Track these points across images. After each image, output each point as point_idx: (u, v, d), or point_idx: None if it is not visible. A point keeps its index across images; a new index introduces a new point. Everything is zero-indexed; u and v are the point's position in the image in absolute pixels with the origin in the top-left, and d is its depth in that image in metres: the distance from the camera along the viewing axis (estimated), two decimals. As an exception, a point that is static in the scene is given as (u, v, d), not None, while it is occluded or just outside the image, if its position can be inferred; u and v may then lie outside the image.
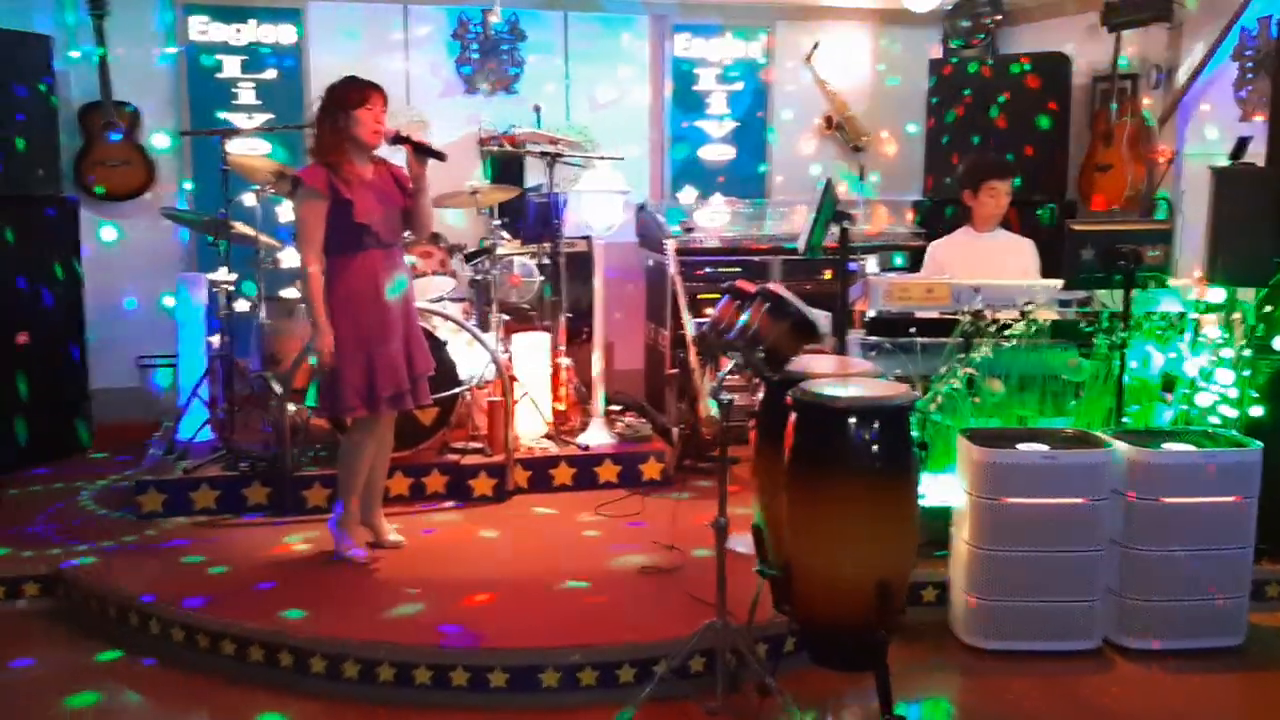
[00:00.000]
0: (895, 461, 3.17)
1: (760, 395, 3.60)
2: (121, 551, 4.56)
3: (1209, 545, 3.96)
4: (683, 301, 5.66)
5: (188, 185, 6.60)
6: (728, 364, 3.43)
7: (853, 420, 3.14)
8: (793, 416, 3.22)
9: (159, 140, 6.54)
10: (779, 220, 6.78)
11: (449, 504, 5.19)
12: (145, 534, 4.76)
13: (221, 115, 6.52)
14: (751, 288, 3.40)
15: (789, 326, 3.23)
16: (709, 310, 6.08)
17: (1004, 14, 7.07)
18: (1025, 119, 6.66)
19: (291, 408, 5.02)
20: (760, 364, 3.24)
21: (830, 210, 4.22)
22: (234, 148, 5.41)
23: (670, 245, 5.69)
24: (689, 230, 6.27)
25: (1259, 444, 4.02)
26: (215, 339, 5.75)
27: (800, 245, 4.27)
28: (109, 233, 6.54)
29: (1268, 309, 4.44)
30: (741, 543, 3.99)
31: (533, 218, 6.01)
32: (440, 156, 4.38)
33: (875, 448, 3.14)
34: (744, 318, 3.31)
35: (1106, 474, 3.95)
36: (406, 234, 4.51)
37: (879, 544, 3.17)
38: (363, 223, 4.22)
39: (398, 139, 4.33)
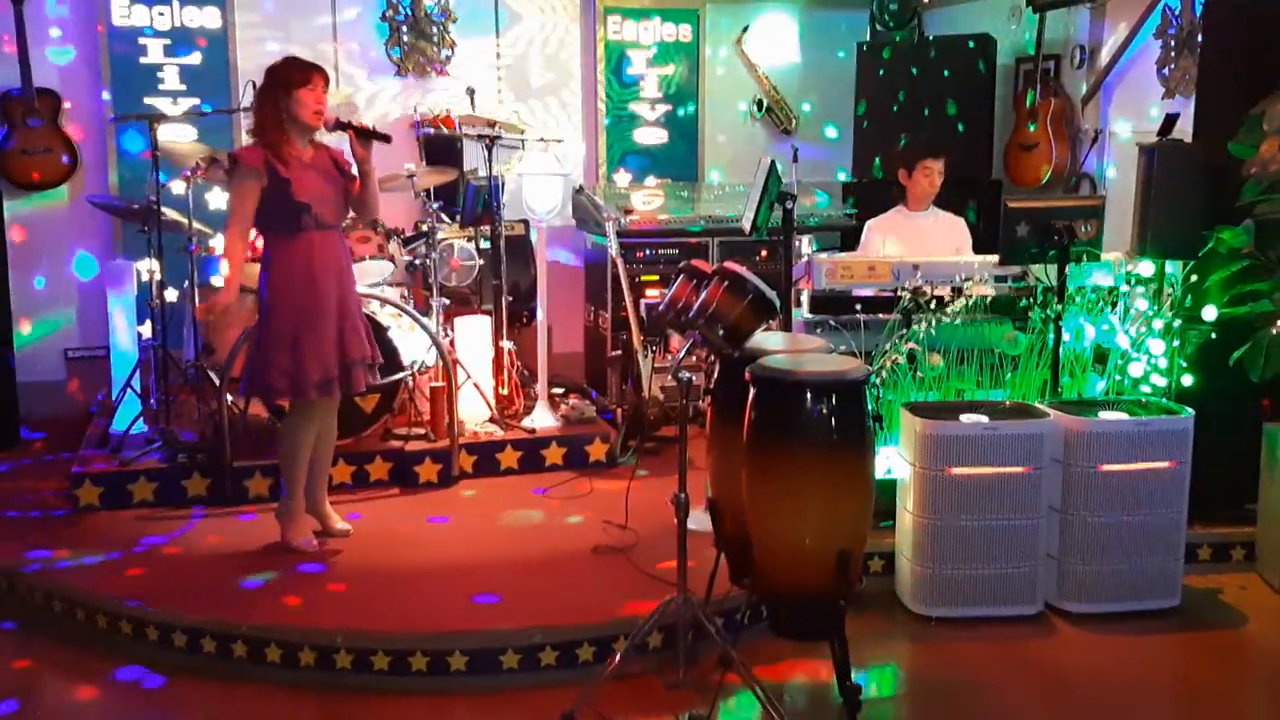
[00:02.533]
0: (852, 434, 3.24)
1: (715, 374, 3.65)
2: (61, 546, 4.46)
3: (1144, 511, 4.10)
4: (626, 284, 5.68)
5: (113, 172, 6.42)
6: (685, 343, 3.46)
7: (810, 394, 3.20)
8: (751, 392, 3.26)
9: (81, 127, 6.36)
10: (713, 202, 6.83)
11: (394, 491, 5.16)
12: (84, 528, 4.66)
13: (147, 100, 6.36)
14: (708, 267, 3.44)
15: (748, 304, 3.27)
16: (650, 292, 6.18)
17: (931, -4, 7.20)
18: (953, 99, 6.78)
19: (229, 397, 4.94)
20: (721, 342, 3.27)
21: (775, 191, 4.27)
22: (161, 134, 5.29)
23: (611, 228, 5.70)
24: (627, 213, 6.28)
25: (1190, 411, 4.17)
26: (146, 329, 5.65)
27: (745, 226, 4.31)
28: (33, 222, 6.34)
29: (1194, 279, 4.59)
30: (695, 519, 4.02)
31: (470, 201, 5.97)
32: (385, 139, 4.35)
33: (833, 421, 3.21)
34: (702, 296, 3.34)
35: (1046, 443, 4.07)
36: (350, 217, 4.46)
37: (838, 515, 3.24)
38: (301, 201, 4.17)
39: (339, 125, 4.28)
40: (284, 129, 4.18)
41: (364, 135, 4.29)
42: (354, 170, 4.36)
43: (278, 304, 4.22)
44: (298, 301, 4.22)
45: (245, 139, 4.56)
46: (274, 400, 4.42)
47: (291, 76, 4.16)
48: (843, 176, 7.41)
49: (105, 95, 6.35)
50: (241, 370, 4.48)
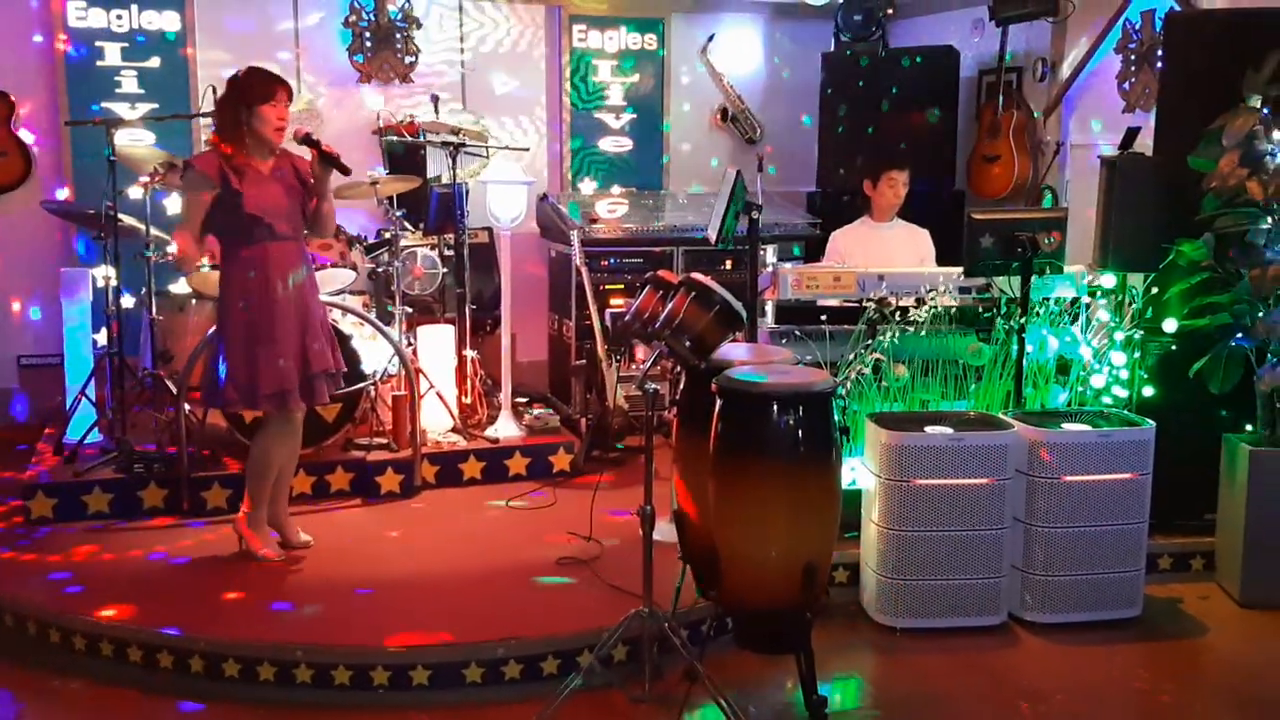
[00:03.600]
0: (819, 446, 3.24)
1: (680, 385, 3.63)
2: (14, 559, 4.36)
3: (1107, 521, 4.13)
4: (590, 293, 5.65)
5: (69, 177, 6.31)
6: (651, 354, 3.44)
7: (777, 406, 3.19)
8: (719, 404, 3.25)
9: (35, 131, 6.25)
10: (678, 211, 6.83)
11: (355, 501, 5.10)
12: (37, 540, 4.57)
13: (104, 105, 6.26)
14: (674, 278, 3.42)
15: (715, 315, 3.25)
16: (615, 301, 6.16)
17: (895, 7, 7.22)
18: (915, 111, 6.82)
19: (186, 406, 4.86)
20: (687, 353, 3.26)
21: (741, 201, 4.27)
22: (119, 138, 5.20)
23: (576, 237, 5.67)
24: (592, 221, 6.26)
25: (1151, 423, 4.20)
26: (102, 336, 5.55)
27: (711, 236, 4.30)
28: (-15, 226, 6.24)
29: (1155, 292, 4.64)
30: (660, 530, 4.00)
31: (435, 208, 5.92)
32: (345, 170, 4.27)
33: (800, 433, 3.20)
34: (668, 307, 3.32)
35: (1010, 454, 4.08)
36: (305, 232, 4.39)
37: (804, 528, 3.23)
38: (253, 214, 4.11)
39: (306, 140, 4.22)
40: (243, 141, 4.12)
41: (325, 160, 4.21)
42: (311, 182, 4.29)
43: (232, 314, 4.18)
44: (253, 313, 4.16)
45: (205, 145, 4.48)
46: (229, 410, 4.35)
47: (255, 90, 4.10)
48: (807, 186, 7.42)
49: (60, 98, 6.24)
50: (199, 378, 4.41)
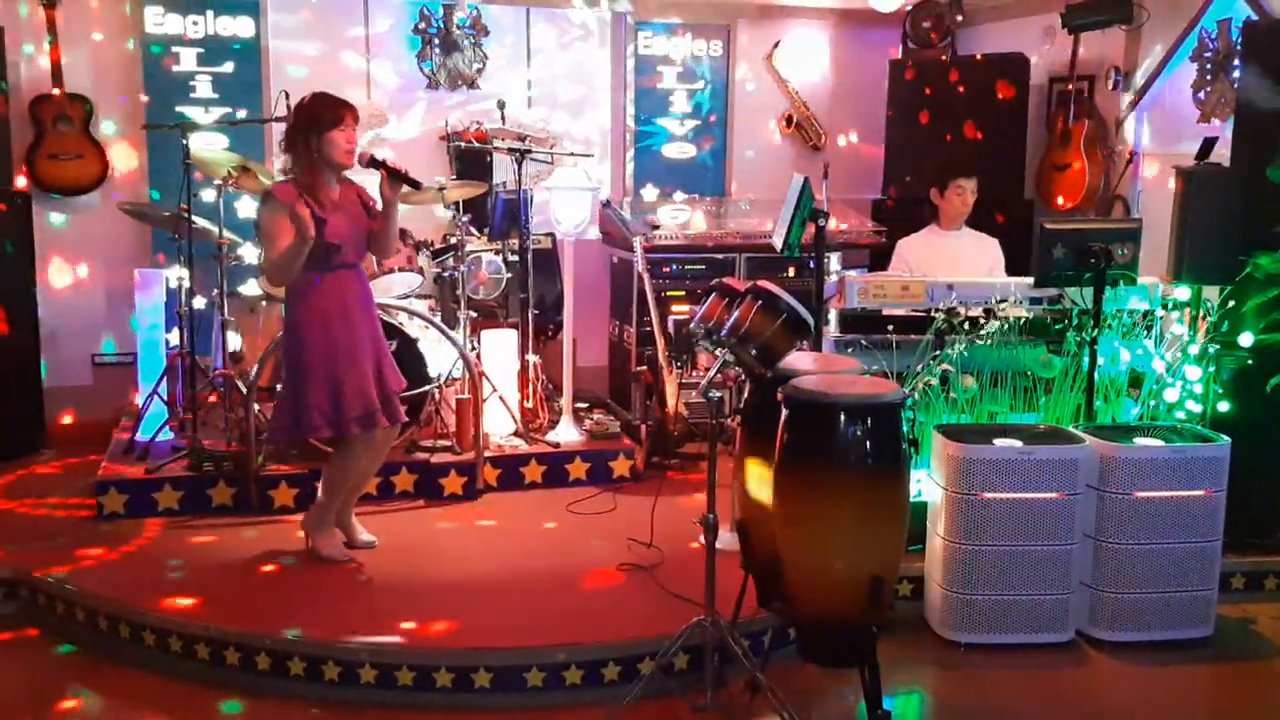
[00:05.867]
0: (887, 458, 3.20)
1: (744, 393, 3.60)
2: (87, 553, 4.45)
3: (1180, 538, 4.04)
4: (652, 299, 5.65)
5: (144, 179, 6.44)
6: (715, 362, 3.42)
7: (845, 417, 3.16)
8: (785, 414, 3.22)
9: (113, 133, 6.38)
10: (741, 218, 6.81)
11: (419, 503, 5.14)
12: (108, 535, 4.65)
13: (179, 109, 6.38)
14: (741, 285, 3.40)
15: (782, 323, 3.23)
16: (676, 307, 6.16)
17: (964, 14, 7.15)
18: (984, 119, 6.74)
19: (255, 406, 4.93)
20: (753, 361, 3.24)
21: (807, 208, 4.24)
22: (193, 142, 5.29)
23: (639, 243, 5.68)
24: (654, 228, 6.26)
25: (1226, 439, 4.11)
26: (174, 336, 5.65)
27: (777, 243, 4.28)
28: (62, 227, 6.36)
29: (1231, 305, 4.54)
30: (722, 539, 3.99)
31: (500, 214, 5.96)
32: (416, 185, 4.30)
33: (868, 444, 3.16)
34: (734, 315, 3.30)
35: (1081, 469, 4.01)
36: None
37: (871, 540, 3.19)
38: (331, 242, 4.15)
39: (374, 163, 4.23)
40: (317, 169, 4.15)
41: (396, 177, 4.22)
42: (378, 207, 4.31)
43: (312, 342, 4.19)
44: (334, 339, 4.18)
45: (277, 149, 4.53)
46: (317, 438, 4.37)
47: (322, 116, 4.11)
48: (872, 194, 7.37)
49: (137, 102, 6.37)
50: (275, 414, 4.42)
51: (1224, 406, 4.54)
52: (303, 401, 4.18)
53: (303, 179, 4.14)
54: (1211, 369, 4.54)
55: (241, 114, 6.39)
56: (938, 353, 4.45)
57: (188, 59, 6.45)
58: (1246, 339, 4.51)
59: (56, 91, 6.08)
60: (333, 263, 4.19)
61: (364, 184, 4.42)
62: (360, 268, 4.37)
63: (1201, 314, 4.62)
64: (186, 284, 5.35)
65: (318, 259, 4.14)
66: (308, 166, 4.15)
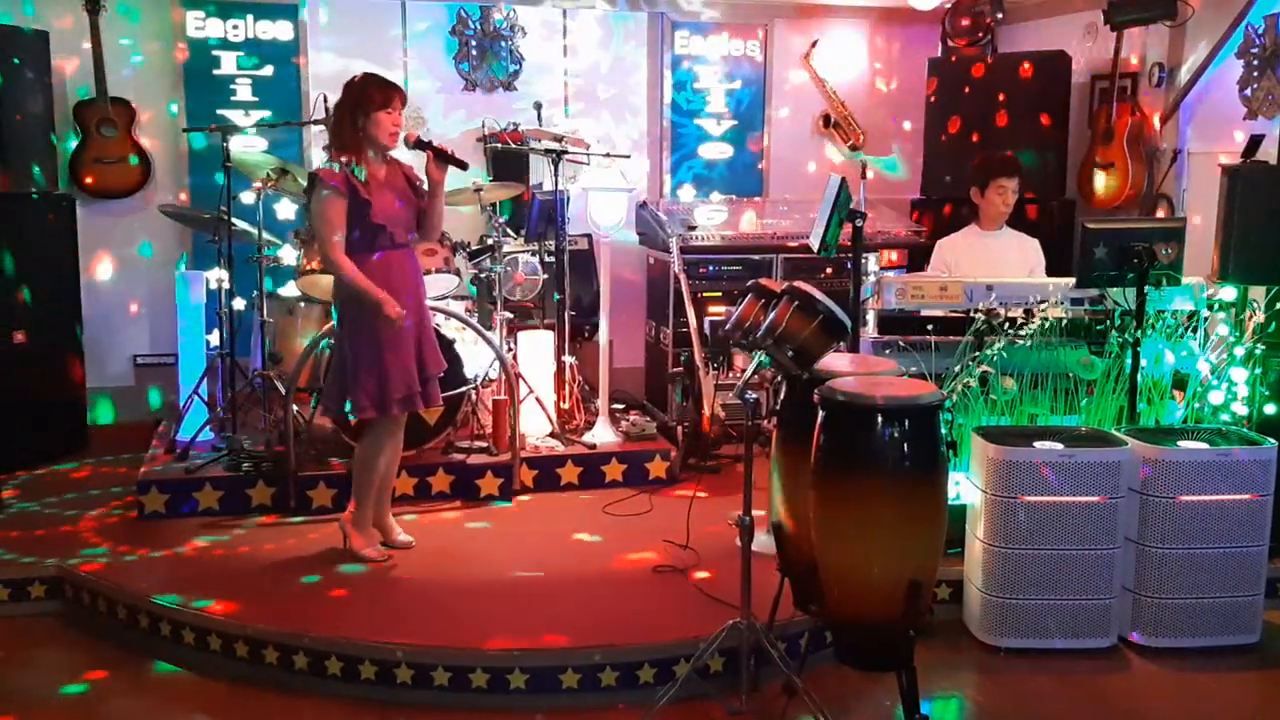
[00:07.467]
0: (925, 461, 3.16)
1: (780, 395, 3.58)
2: (128, 552, 4.50)
3: (1225, 543, 3.97)
4: (689, 300, 5.63)
5: (185, 182, 6.50)
6: (751, 363, 3.40)
7: (882, 419, 3.13)
8: (821, 415, 3.20)
9: (154, 136, 6.45)
10: (778, 218, 6.76)
11: (455, 503, 5.15)
12: (149, 534, 4.70)
13: (219, 111, 6.44)
14: (777, 286, 3.38)
15: (819, 324, 3.20)
16: (713, 308, 6.13)
17: (1004, 12, 7.07)
18: (1025, 118, 6.66)
19: (294, 407, 4.97)
20: (790, 363, 3.21)
21: (844, 209, 4.20)
22: (233, 145, 5.34)
23: (676, 244, 5.66)
24: (690, 228, 6.24)
25: (1273, 442, 4.03)
26: (214, 337, 5.70)
27: (814, 243, 4.24)
28: (105, 230, 6.44)
29: (1278, 306, 4.45)
30: (758, 541, 3.97)
31: (536, 215, 5.96)
32: (462, 165, 4.34)
33: (905, 447, 3.13)
34: (770, 316, 3.28)
35: (1123, 472, 3.96)
36: (412, 236, 4.45)
37: (909, 543, 3.16)
38: (379, 223, 4.17)
39: (420, 144, 4.28)
40: (362, 148, 4.18)
41: (442, 158, 4.27)
42: (424, 187, 4.35)
43: (360, 324, 4.21)
44: (380, 320, 4.20)
45: (315, 151, 4.57)
46: (362, 418, 4.42)
47: (372, 97, 4.14)
48: (911, 194, 7.31)
49: (178, 106, 6.44)
50: (326, 389, 4.46)
51: (1271, 409, 4.45)
52: (354, 381, 4.21)
53: (349, 157, 4.15)
54: (1258, 371, 4.45)
55: (280, 118, 6.41)
56: (977, 354, 4.40)
57: (228, 63, 6.51)
58: (1294, 340, 4.43)
59: (100, 96, 6.15)
60: (379, 243, 4.20)
61: (412, 165, 4.44)
62: (410, 248, 4.38)
63: (1248, 314, 4.53)
64: (226, 285, 5.40)
65: (365, 239, 4.17)
66: (354, 145, 4.17)
